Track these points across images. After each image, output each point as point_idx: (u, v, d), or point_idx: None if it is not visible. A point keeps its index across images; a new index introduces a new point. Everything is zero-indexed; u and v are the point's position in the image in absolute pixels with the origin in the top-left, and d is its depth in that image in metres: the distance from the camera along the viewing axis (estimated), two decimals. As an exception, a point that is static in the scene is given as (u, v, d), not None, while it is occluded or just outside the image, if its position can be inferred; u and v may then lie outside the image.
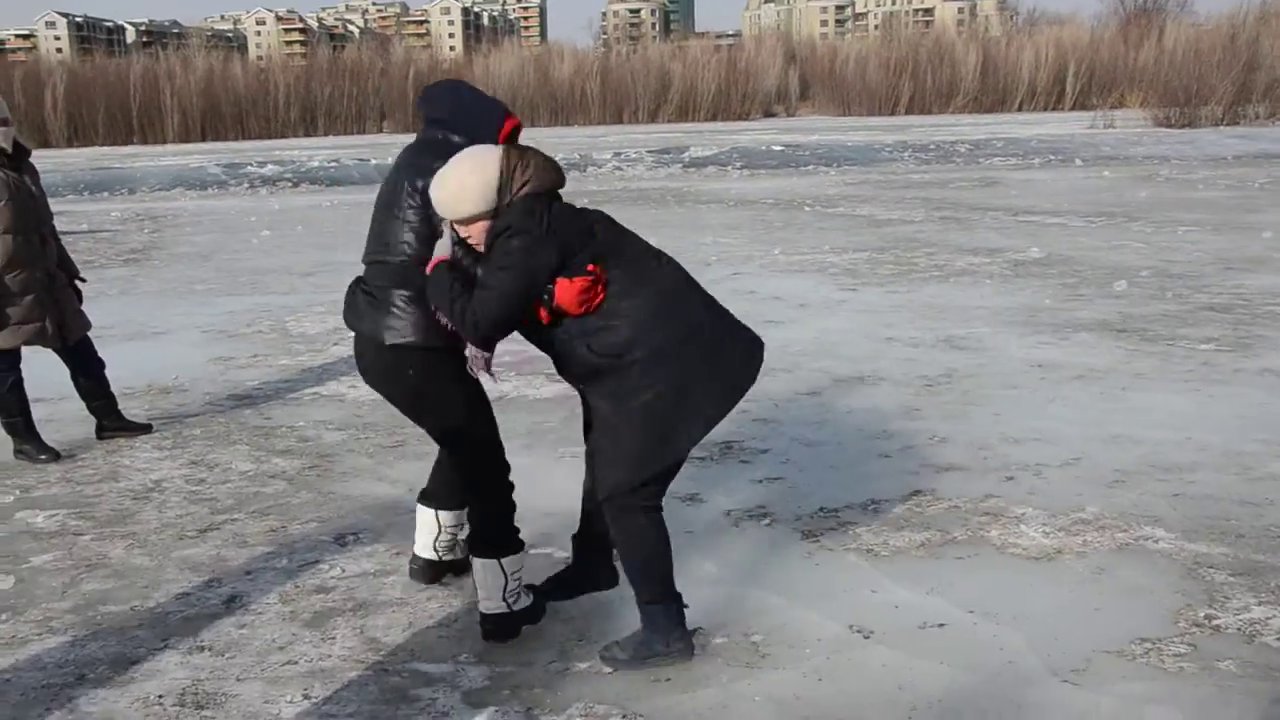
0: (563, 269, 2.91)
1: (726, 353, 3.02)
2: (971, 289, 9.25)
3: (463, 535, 3.62)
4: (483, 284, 2.94)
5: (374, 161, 26.93)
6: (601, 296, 2.93)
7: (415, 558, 3.69)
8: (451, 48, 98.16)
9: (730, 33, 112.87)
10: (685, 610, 3.17)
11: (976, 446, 5.06)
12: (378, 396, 6.08)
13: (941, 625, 3.36)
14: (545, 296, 2.92)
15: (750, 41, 73.53)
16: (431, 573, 3.67)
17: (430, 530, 3.63)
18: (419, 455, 5.10)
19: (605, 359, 2.95)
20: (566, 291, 2.90)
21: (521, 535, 3.40)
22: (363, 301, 3.23)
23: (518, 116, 3.40)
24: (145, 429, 5.57)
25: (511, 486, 3.36)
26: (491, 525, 3.31)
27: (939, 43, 63.22)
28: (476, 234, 2.99)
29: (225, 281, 10.86)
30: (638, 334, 2.92)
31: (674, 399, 2.94)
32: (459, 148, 3.09)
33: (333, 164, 26.67)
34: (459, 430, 3.31)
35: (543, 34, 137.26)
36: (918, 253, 11.44)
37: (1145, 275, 9.60)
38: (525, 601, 3.36)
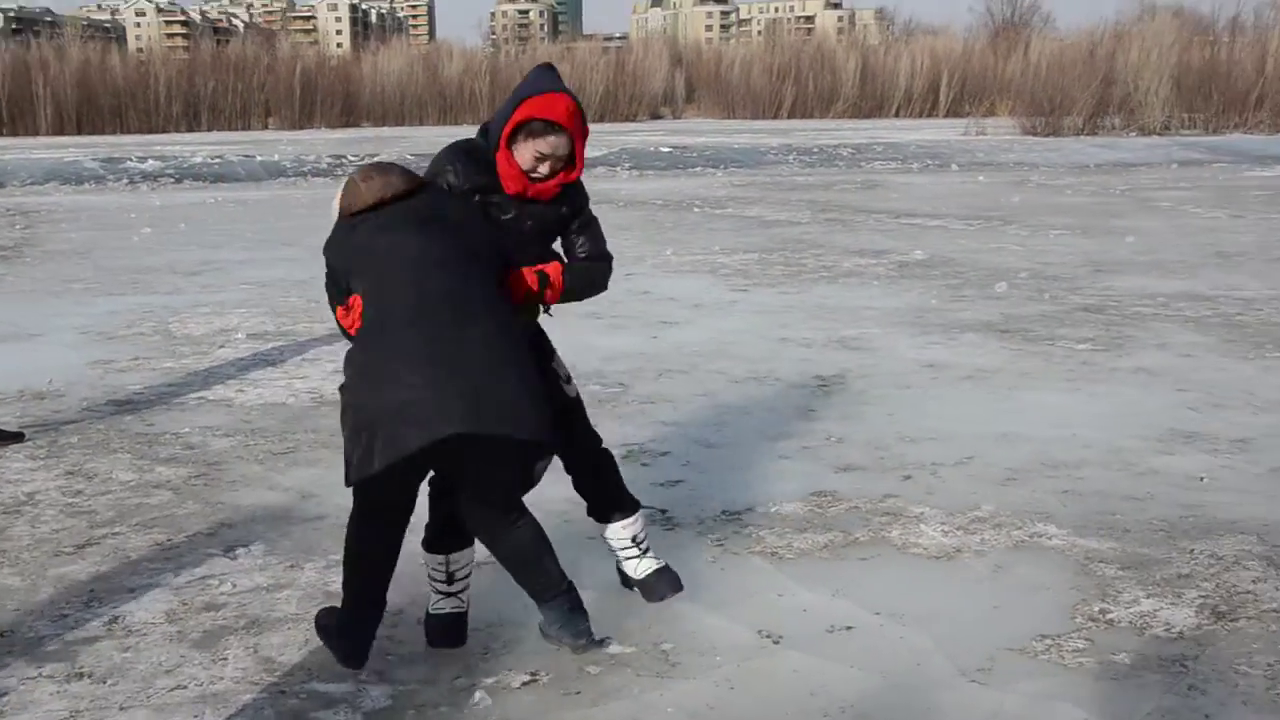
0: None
1: (399, 433, 2.71)
2: (860, 290, 9.40)
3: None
4: None
5: (259, 158, 26.18)
6: (359, 324, 2.90)
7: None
8: (339, 45, 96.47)
9: (618, 35, 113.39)
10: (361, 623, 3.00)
11: (873, 446, 5.11)
12: (267, 401, 6.01)
13: (849, 628, 3.36)
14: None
15: (638, 44, 73.86)
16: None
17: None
18: (311, 461, 4.95)
19: None
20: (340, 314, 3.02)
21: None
22: None
23: (538, 102, 3.00)
24: (17, 438, 5.25)
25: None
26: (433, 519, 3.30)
27: (820, 49, 64.49)
28: None
29: (104, 281, 10.37)
30: (350, 376, 2.83)
31: (351, 445, 2.77)
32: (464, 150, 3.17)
33: (217, 160, 25.79)
34: None
35: (431, 33, 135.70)
36: (806, 254, 11.60)
37: (1023, 277, 9.90)
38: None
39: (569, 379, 3.38)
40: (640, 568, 3.38)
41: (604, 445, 3.47)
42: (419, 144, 29.96)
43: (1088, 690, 3.03)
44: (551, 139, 3.02)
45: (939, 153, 28.74)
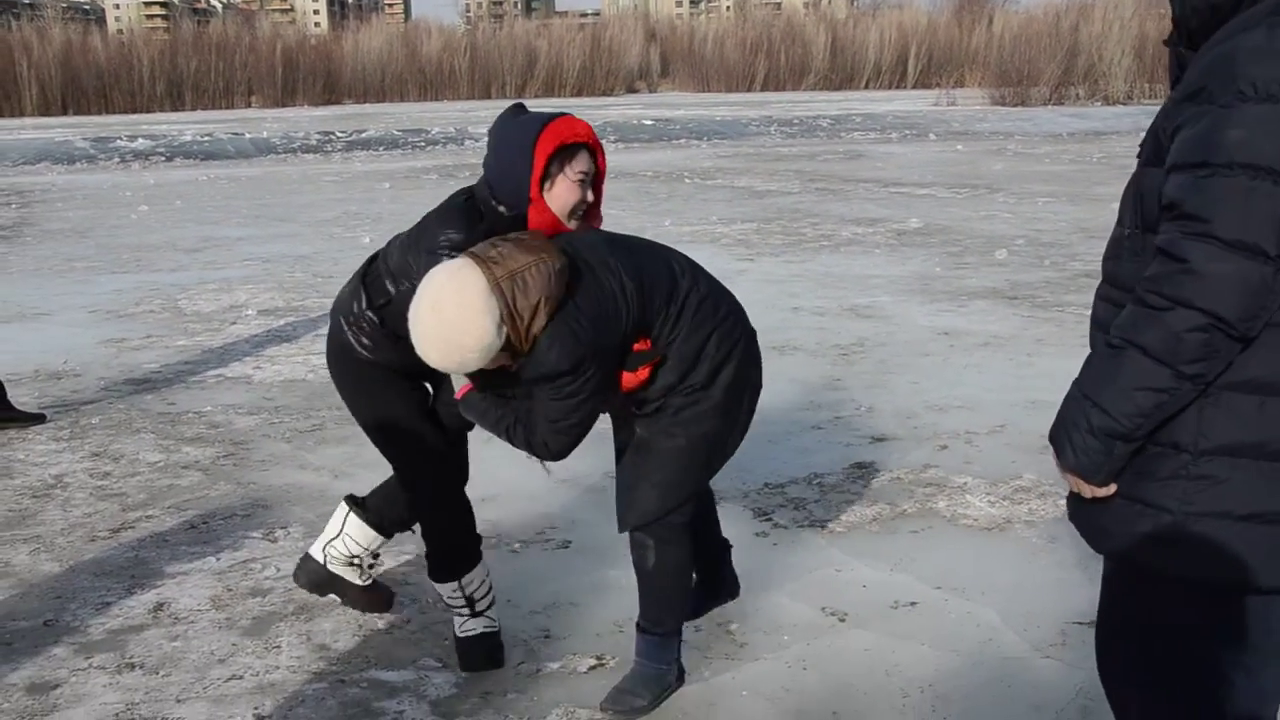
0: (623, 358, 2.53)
1: (754, 359, 2.77)
2: (863, 258, 9.32)
3: (368, 563, 3.24)
4: (547, 415, 2.46)
5: (248, 135, 25.79)
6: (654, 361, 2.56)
7: (305, 556, 3.22)
8: (317, 24, 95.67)
9: (591, 11, 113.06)
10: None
11: (904, 416, 5.04)
12: (286, 378, 5.88)
13: (913, 604, 3.29)
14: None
15: (612, 20, 73.53)
16: (311, 578, 3.18)
17: (332, 531, 3.19)
18: (340, 439, 4.81)
19: (654, 398, 2.62)
20: (630, 383, 2.56)
21: (488, 537, 3.16)
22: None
23: (559, 128, 2.66)
24: (38, 419, 5.09)
25: (456, 509, 3.00)
26: (435, 546, 3.00)
27: (790, 23, 64.46)
28: (496, 363, 2.47)
29: (106, 259, 10.14)
30: (686, 367, 2.58)
31: (722, 419, 2.66)
32: (481, 217, 2.68)
33: (206, 138, 25.38)
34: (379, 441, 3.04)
35: (407, 12, 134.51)
36: (802, 222, 11.50)
37: (1020, 244, 9.84)
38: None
39: None
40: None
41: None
42: (401, 120, 29.68)
43: (1165, 663, 2.96)
44: (583, 155, 2.69)
45: (915, 123, 28.66)
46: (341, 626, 3.17)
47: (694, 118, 30.61)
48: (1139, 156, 1.79)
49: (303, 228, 11.52)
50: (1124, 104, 35.88)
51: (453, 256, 2.46)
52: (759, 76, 59.20)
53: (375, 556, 3.26)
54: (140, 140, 24.85)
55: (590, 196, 2.71)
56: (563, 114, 2.70)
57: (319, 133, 26.24)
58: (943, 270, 8.66)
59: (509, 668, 2.96)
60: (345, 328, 2.91)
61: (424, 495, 3.00)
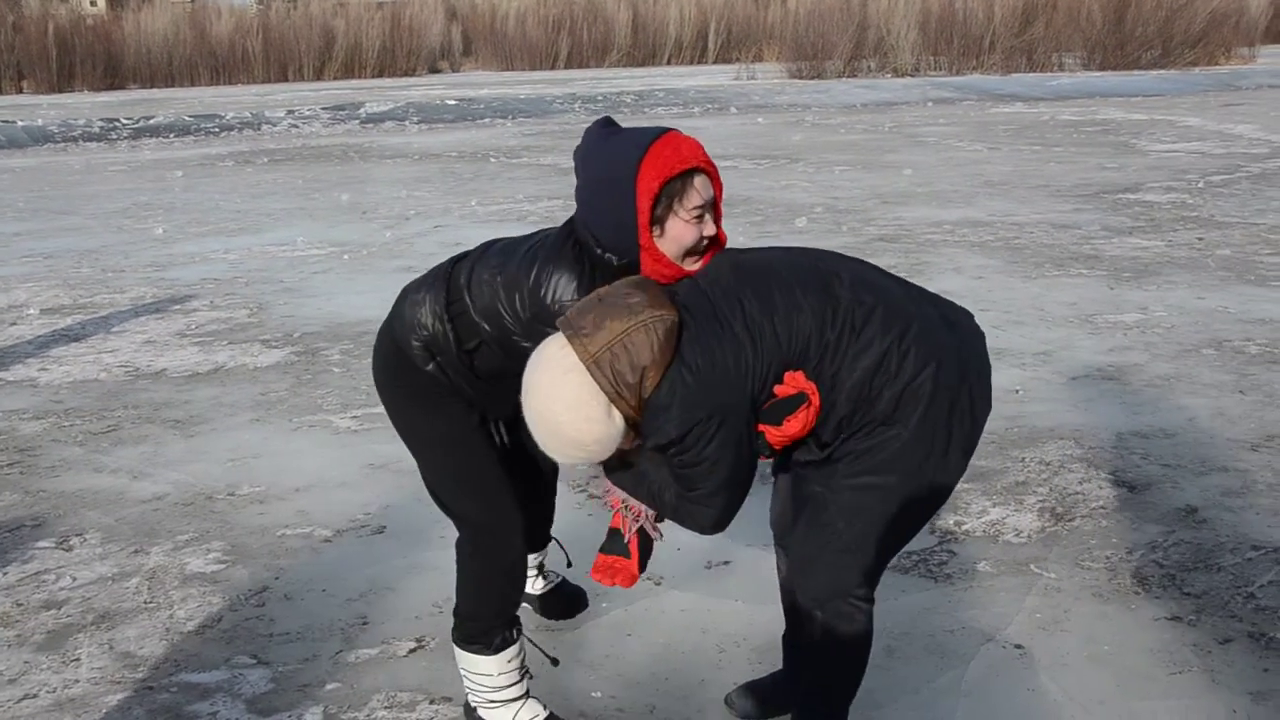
0: (757, 409, 2.15)
1: (957, 380, 2.22)
2: (669, 232, 9.47)
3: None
4: (682, 486, 2.22)
5: (20, 123, 23.96)
6: (818, 400, 2.15)
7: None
8: (93, 2, 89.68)
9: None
10: None
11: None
12: (76, 379, 5.55)
13: (726, 563, 3.40)
14: (766, 453, 2.23)
15: (411, -1, 72.04)
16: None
17: None
18: (137, 439, 4.59)
19: (828, 440, 2.22)
20: (782, 438, 2.18)
21: (298, 528, 3.09)
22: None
23: (663, 155, 2.18)
24: None
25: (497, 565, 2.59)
26: (460, 603, 2.61)
27: (592, 0, 64.74)
28: (631, 441, 2.24)
29: None
30: (858, 395, 2.15)
31: (922, 457, 2.19)
32: (592, 266, 2.28)
33: None
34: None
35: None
36: (609, 199, 11.58)
37: (819, 211, 10.20)
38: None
39: None
40: (537, 585, 3.11)
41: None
42: (193, 105, 28.24)
43: (959, 599, 3.17)
44: (697, 183, 2.21)
45: (717, 97, 29.20)
46: (148, 632, 3.05)
47: (498, 96, 30.36)
48: None
49: (88, 220, 10.87)
50: (911, 76, 37.66)
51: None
52: (562, 54, 59.15)
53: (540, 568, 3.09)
54: (-108, 129, 22.81)
55: (710, 230, 2.25)
56: (663, 132, 2.23)
57: (102, 120, 24.70)
58: (746, 239, 8.90)
59: (324, 658, 2.91)
60: (411, 345, 2.44)
61: (462, 539, 2.59)
